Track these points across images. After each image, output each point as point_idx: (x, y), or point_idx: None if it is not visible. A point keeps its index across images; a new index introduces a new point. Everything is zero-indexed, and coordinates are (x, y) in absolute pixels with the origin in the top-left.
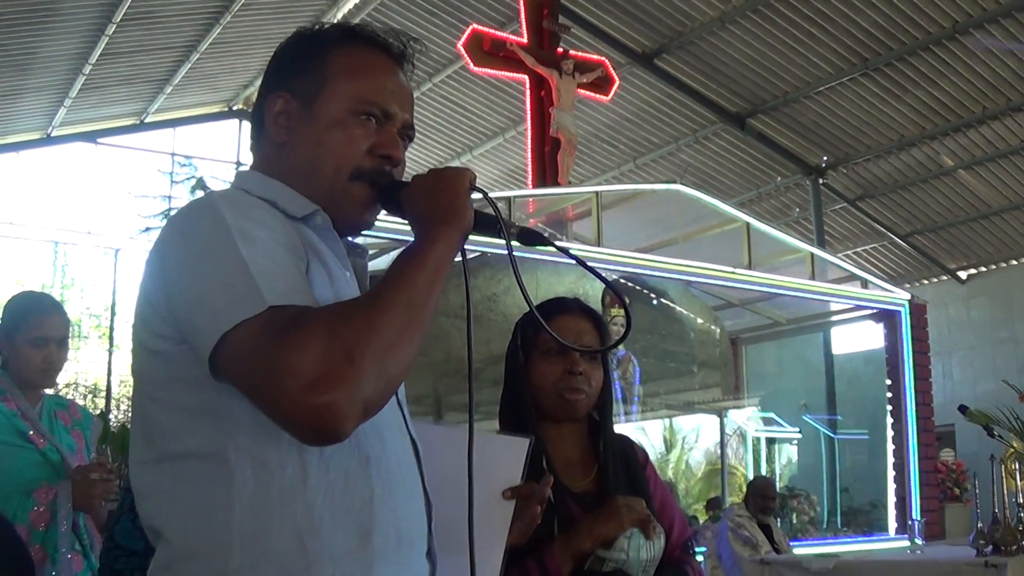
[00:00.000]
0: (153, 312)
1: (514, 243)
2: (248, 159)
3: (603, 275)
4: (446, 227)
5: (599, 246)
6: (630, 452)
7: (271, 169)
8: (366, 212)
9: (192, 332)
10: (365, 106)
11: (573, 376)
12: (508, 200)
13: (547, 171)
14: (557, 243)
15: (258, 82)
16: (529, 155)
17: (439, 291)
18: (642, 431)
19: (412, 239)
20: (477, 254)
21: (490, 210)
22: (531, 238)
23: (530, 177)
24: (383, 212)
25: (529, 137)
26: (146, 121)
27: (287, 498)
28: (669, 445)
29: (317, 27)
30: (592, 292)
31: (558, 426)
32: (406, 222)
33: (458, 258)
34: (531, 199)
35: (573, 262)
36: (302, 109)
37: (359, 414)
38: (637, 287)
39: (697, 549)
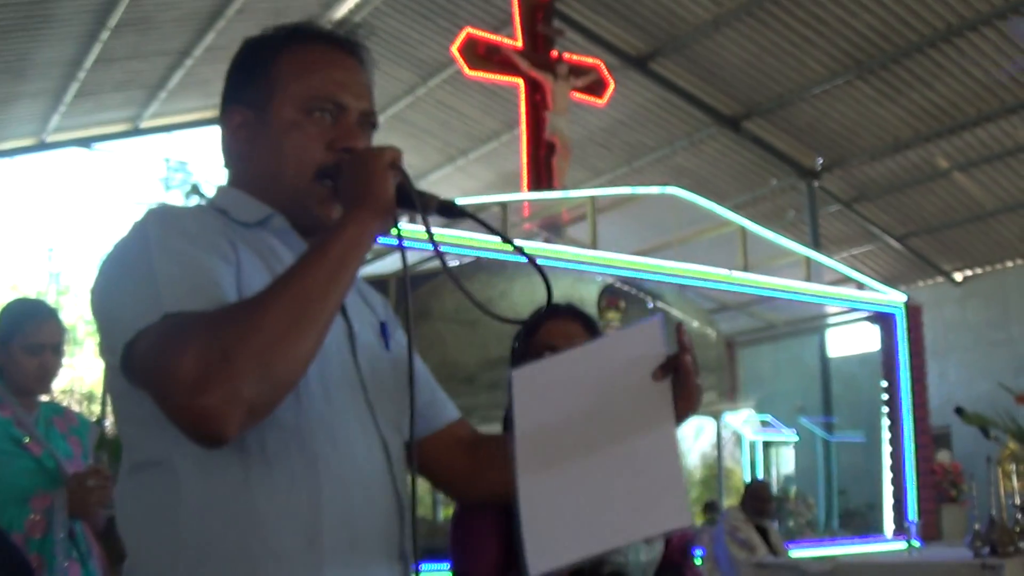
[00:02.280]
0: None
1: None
2: None
3: (540, 267)
4: (359, 210)
5: (595, 249)
6: None
7: (238, 181)
8: (331, 211)
9: (108, 345)
10: (316, 102)
11: None
12: (503, 205)
13: (542, 175)
14: (477, 215)
15: None
16: (524, 159)
17: (348, 278)
18: None
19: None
20: (472, 259)
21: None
22: (451, 211)
23: (525, 181)
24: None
25: (524, 141)
26: (140, 127)
27: (231, 500)
28: None
29: (262, 34)
30: (588, 296)
31: None
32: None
33: (448, 264)
34: (526, 203)
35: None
36: (258, 119)
37: (241, 415)
38: (632, 290)
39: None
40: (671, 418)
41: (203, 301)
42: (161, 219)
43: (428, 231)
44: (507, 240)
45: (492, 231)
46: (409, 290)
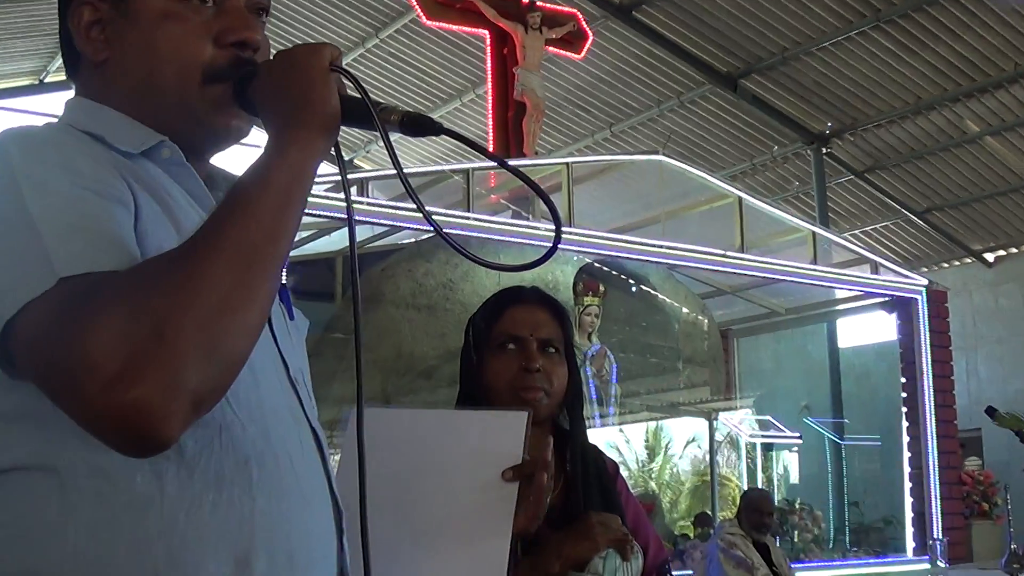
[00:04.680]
0: None
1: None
2: None
3: (547, 197)
4: (300, 128)
5: (570, 225)
6: (600, 463)
7: (100, 94)
8: (230, 119)
9: None
10: None
11: (529, 374)
12: (466, 173)
13: (511, 140)
14: (444, 128)
15: None
16: (490, 121)
17: (295, 218)
18: (622, 436)
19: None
20: (431, 234)
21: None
22: (417, 126)
23: (491, 146)
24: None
25: (490, 101)
26: (46, 81)
27: (138, 516)
28: (652, 452)
29: None
30: (563, 279)
31: None
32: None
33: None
34: (492, 172)
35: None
36: (114, 10)
37: (186, 410)
38: (613, 272)
39: (683, 573)
40: (507, 530)
41: (109, 259)
42: (26, 147)
43: (391, 152)
44: (495, 158)
45: (477, 148)
46: (355, 268)
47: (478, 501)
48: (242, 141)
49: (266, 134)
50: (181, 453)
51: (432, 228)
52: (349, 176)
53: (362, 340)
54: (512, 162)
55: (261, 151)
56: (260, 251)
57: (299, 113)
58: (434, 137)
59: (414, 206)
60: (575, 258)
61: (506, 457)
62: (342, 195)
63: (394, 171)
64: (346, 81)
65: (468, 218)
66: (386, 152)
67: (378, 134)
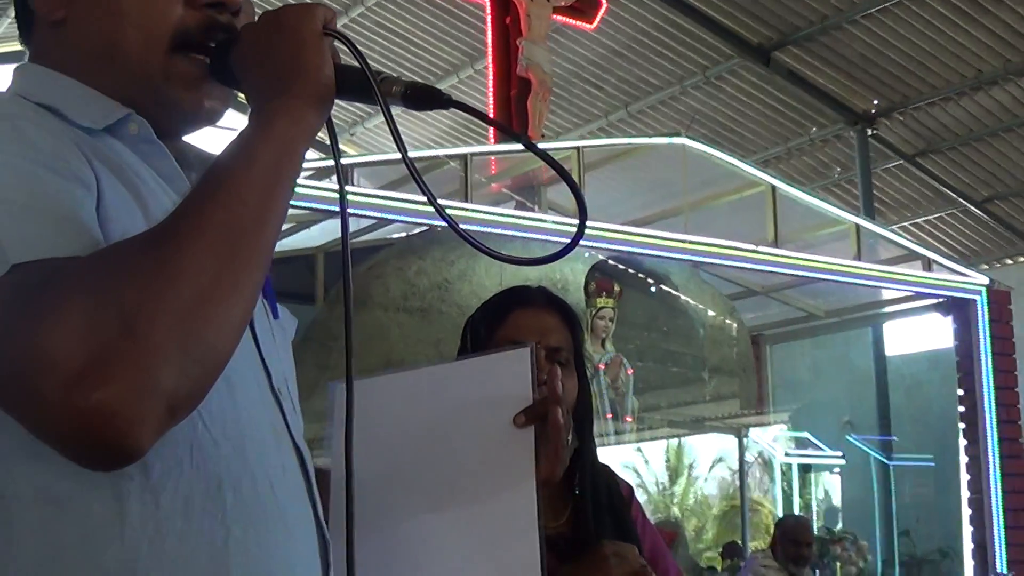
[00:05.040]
0: None
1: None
2: None
3: (572, 182)
4: (289, 99)
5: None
6: (612, 485)
7: (57, 60)
8: (201, 97)
9: None
10: None
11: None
12: (464, 158)
13: (513, 121)
14: (453, 100)
15: None
16: (490, 100)
17: (284, 201)
18: (639, 455)
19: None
20: (424, 228)
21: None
22: (423, 98)
23: (492, 128)
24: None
25: (490, 77)
26: None
27: (94, 549)
28: (674, 474)
29: None
30: (573, 278)
31: None
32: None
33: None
34: (492, 157)
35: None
36: None
37: (159, 415)
38: (630, 270)
39: None
40: (531, 480)
41: (69, 244)
42: None
43: (393, 130)
44: (521, 138)
45: (494, 124)
46: (348, 265)
47: (493, 454)
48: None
49: (249, 107)
50: (146, 475)
51: (446, 223)
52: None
53: (354, 349)
54: (514, 146)
55: (244, 125)
56: (246, 236)
57: (288, 82)
58: (429, 117)
59: (404, 196)
60: (587, 255)
61: (515, 400)
62: (326, 183)
63: (383, 156)
64: (341, 47)
65: (466, 209)
66: (374, 135)
67: (373, 110)
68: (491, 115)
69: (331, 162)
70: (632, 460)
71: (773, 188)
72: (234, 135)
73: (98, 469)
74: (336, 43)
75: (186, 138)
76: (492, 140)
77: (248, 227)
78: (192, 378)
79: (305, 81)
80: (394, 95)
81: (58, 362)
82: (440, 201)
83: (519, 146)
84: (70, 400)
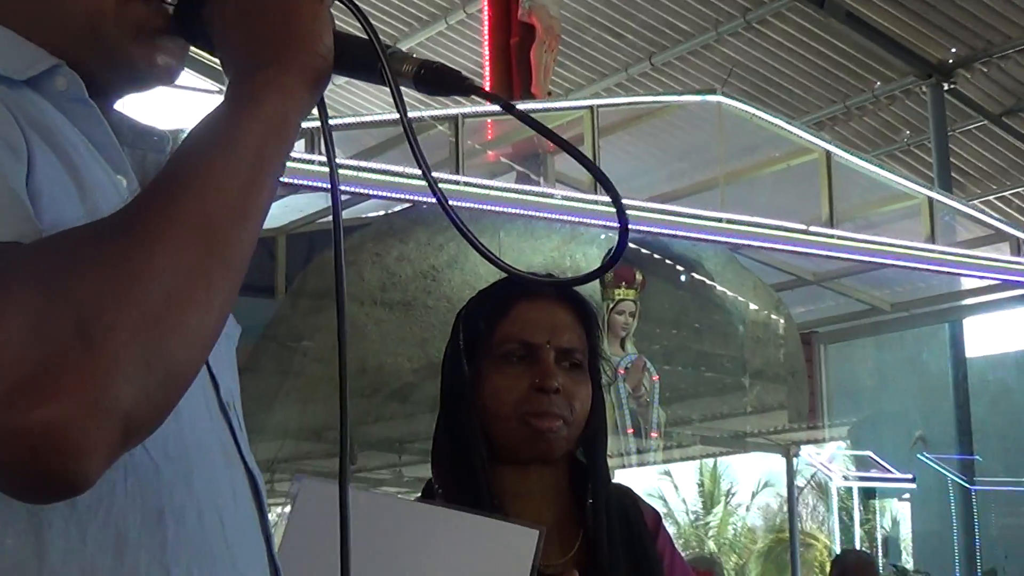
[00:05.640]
0: None
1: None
2: None
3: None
4: (280, 69)
5: (595, 193)
6: (633, 513)
7: None
8: (154, 53)
9: None
10: None
11: (545, 395)
12: (454, 121)
13: (514, 76)
14: (476, 86)
15: None
16: (486, 51)
17: (270, 191)
18: (667, 479)
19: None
20: (406, 205)
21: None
22: (436, 80)
23: (487, 84)
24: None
25: (485, 23)
26: None
27: None
28: (709, 501)
29: None
30: (586, 265)
31: (522, 472)
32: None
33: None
34: (488, 120)
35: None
36: None
37: (114, 438)
38: (655, 256)
39: None
40: None
41: (4, 226)
42: None
43: (401, 111)
44: (574, 153)
45: (534, 127)
46: (341, 253)
47: None
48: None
49: (225, 72)
50: (71, 503)
51: (443, 208)
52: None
53: (325, 357)
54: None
55: (222, 98)
56: (224, 231)
57: (279, 51)
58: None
59: (383, 166)
60: (602, 236)
61: None
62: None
63: (356, 119)
64: (337, 14)
65: (457, 182)
66: (343, 93)
67: (374, 85)
68: (487, 68)
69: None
70: (658, 485)
71: (828, 155)
72: (173, 100)
73: (32, 501)
74: (335, 6)
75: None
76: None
77: (227, 222)
78: (153, 397)
79: (300, 51)
80: (404, 75)
81: None
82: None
83: (523, 104)
84: (8, 416)
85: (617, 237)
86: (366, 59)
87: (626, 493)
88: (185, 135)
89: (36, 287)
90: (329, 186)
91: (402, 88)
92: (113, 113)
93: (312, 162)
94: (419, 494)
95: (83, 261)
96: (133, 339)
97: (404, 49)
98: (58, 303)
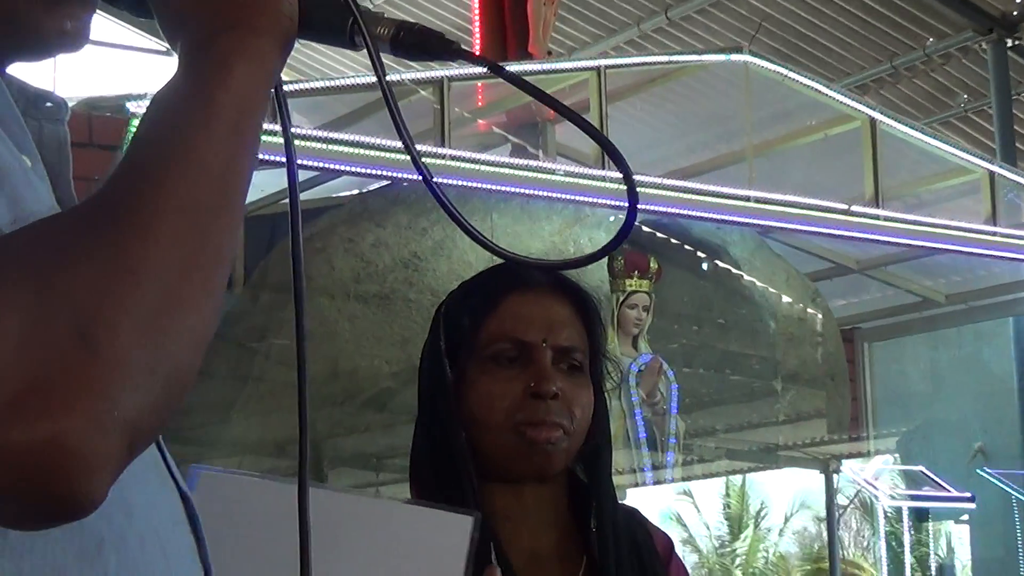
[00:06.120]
0: None
1: (391, 67)
2: None
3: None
4: (246, 31)
5: (603, 168)
6: (642, 537)
7: None
8: (62, 18)
9: None
10: None
11: (541, 401)
12: (438, 85)
13: (508, 31)
14: (462, 49)
15: None
16: (475, 2)
17: (251, 167)
18: (687, 499)
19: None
20: (384, 183)
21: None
22: (418, 44)
23: (477, 43)
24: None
25: None
26: None
27: None
28: (736, 525)
29: None
30: (590, 249)
31: (515, 491)
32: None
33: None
34: (479, 83)
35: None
36: None
37: (121, 452)
38: (672, 240)
39: None
40: None
41: None
42: None
43: (379, 73)
44: (480, 60)
45: (542, 99)
46: (299, 237)
47: None
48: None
49: (167, 34)
50: (3, 533)
51: (430, 187)
52: None
53: (306, 372)
54: (512, 67)
55: (177, 69)
56: (213, 218)
57: (244, 11)
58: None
59: (357, 138)
60: (611, 218)
61: (443, 573)
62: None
63: (324, 83)
64: None
65: (443, 156)
66: (309, 54)
67: (348, 47)
68: (477, 22)
69: None
70: (676, 508)
71: (873, 123)
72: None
73: (32, 527)
74: None
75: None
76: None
77: (215, 208)
78: (157, 405)
79: (265, 10)
80: (380, 38)
81: None
82: (400, 146)
83: (518, 65)
84: (5, 434)
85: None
86: (334, 20)
87: (633, 515)
88: (147, 110)
89: (24, 283)
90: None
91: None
92: (6, 76)
93: (274, 133)
94: None
95: (73, 254)
96: (135, 341)
97: (375, 2)
98: (53, 302)
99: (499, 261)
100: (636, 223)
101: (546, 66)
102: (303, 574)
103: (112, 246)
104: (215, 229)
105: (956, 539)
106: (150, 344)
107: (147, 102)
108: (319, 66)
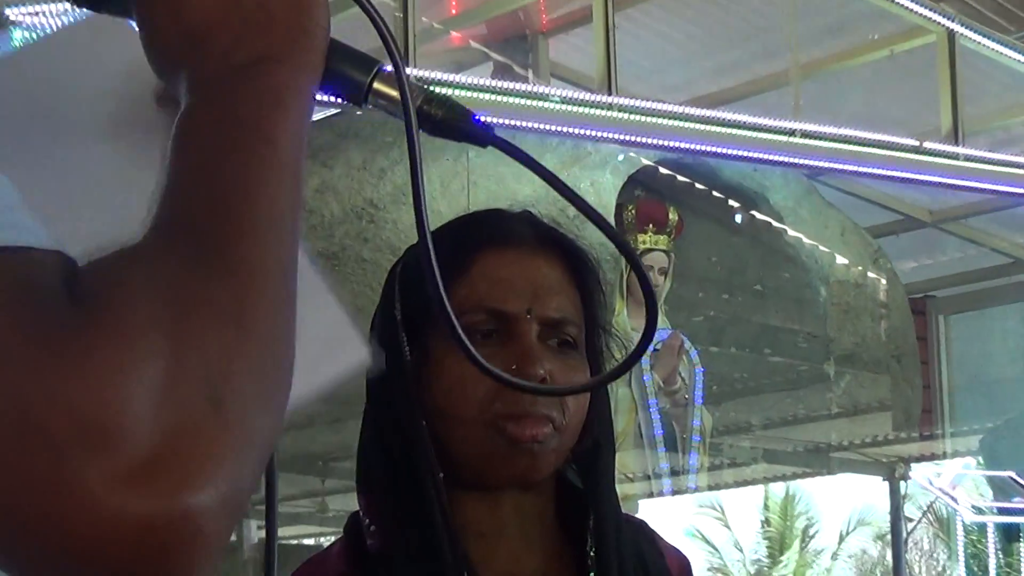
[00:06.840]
0: None
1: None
2: None
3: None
4: (295, 67)
5: (609, 92)
6: (652, 556)
7: None
8: None
9: None
10: None
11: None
12: (404, 2)
13: None
14: (517, 150)
15: None
16: None
17: (300, 202)
18: (714, 512)
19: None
20: (332, 112)
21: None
22: (453, 128)
23: None
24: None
25: None
26: None
27: None
28: (779, 544)
29: None
30: (595, 198)
31: (492, 501)
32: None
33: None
34: None
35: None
36: None
37: (223, 530)
38: (697, 185)
39: None
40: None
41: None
42: None
43: (414, 159)
44: (619, 241)
45: (596, 220)
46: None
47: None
48: None
49: (164, 70)
50: None
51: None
52: None
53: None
54: None
55: (203, 97)
56: (291, 274)
57: (289, 45)
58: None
59: None
60: (620, 156)
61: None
62: None
63: None
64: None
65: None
66: None
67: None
68: None
69: None
70: (700, 524)
71: (951, 37)
72: None
73: None
74: None
75: None
76: None
77: (291, 262)
78: (257, 471)
79: (311, 45)
80: (412, 100)
81: (117, 436)
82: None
83: None
84: (127, 501)
85: (636, 156)
86: (351, 79)
87: (640, 529)
88: (188, 135)
89: (158, 327)
90: None
91: None
92: None
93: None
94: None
95: (197, 301)
96: (253, 404)
97: None
98: (189, 356)
99: (475, 209)
100: (650, 163)
101: None
102: None
103: (237, 302)
104: (293, 275)
105: None
106: (260, 406)
107: None
108: None
